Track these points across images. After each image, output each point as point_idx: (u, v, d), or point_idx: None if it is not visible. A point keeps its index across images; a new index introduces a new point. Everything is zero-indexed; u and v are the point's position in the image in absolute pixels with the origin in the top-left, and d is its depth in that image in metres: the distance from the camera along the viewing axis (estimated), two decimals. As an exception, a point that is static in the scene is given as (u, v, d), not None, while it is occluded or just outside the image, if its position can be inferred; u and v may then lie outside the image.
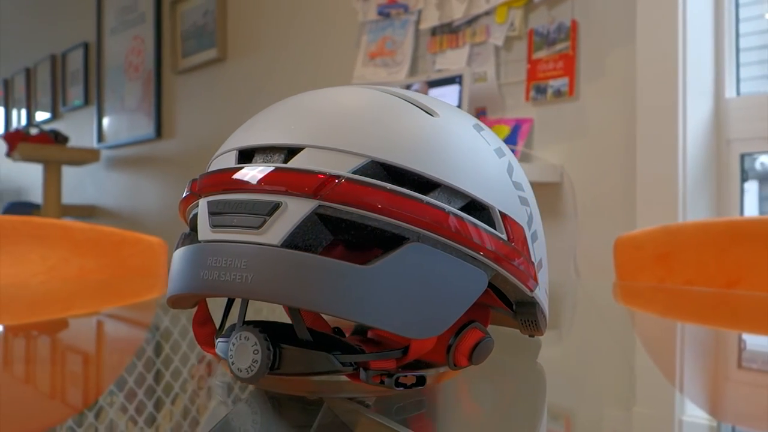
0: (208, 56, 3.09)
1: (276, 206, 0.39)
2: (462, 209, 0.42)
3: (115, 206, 4.01)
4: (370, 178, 0.39)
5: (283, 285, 0.39)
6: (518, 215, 0.45)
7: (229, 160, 0.43)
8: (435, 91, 1.97)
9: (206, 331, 0.47)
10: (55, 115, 4.58)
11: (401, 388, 0.41)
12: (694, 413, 0.44)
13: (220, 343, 0.44)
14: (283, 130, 0.42)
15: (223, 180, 0.40)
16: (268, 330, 0.41)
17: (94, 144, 4.06)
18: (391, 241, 0.39)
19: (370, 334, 0.48)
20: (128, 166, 3.85)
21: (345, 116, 0.43)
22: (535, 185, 1.83)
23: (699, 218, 1.67)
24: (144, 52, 3.57)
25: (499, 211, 0.43)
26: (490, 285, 0.46)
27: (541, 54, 1.89)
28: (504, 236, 0.43)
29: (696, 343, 0.70)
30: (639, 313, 0.96)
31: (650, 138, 1.69)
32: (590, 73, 1.82)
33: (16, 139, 3.66)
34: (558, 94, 1.86)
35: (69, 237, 1.22)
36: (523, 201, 0.46)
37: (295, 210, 0.38)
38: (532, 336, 0.57)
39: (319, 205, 0.38)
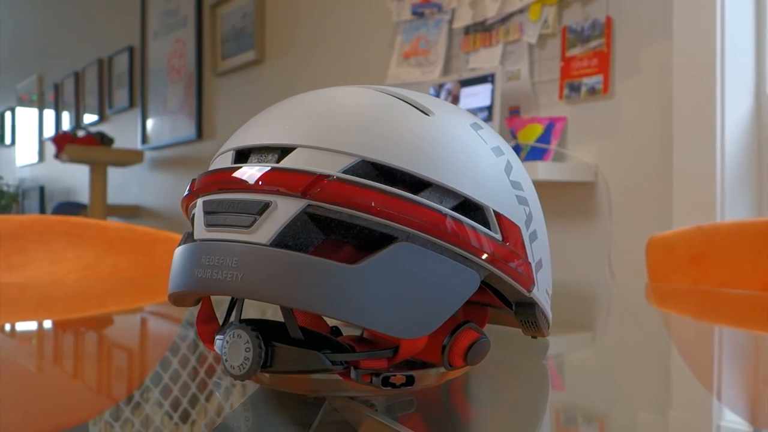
0: (246, 58, 3.13)
1: (266, 206, 0.39)
2: (455, 208, 0.42)
3: (157, 206, 4.10)
4: (360, 177, 0.39)
5: (271, 284, 0.39)
6: (515, 215, 0.44)
7: (226, 160, 0.44)
8: (467, 90, 1.96)
9: (210, 329, 0.48)
10: (102, 118, 4.71)
11: (389, 388, 0.41)
12: (731, 419, 0.43)
13: (217, 341, 0.45)
14: (278, 131, 0.43)
15: (218, 180, 0.41)
16: (263, 328, 0.42)
17: (138, 145, 4.16)
18: (380, 241, 0.39)
19: (365, 334, 0.48)
20: (170, 167, 3.93)
21: (337, 116, 0.44)
22: (568, 185, 1.82)
23: (738, 218, 1.62)
24: (185, 55, 3.64)
25: (494, 211, 0.43)
26: (489, 285, 0.46)
27: (575, 51, 1.86)
28: (498, 236, 0.43)
29: (732, 346, 0.68)
30: (673, 315, 0.93)
31: (687, 136, 1.65)
32: (625, 70, 1.79)
33: (64, 141, 3.78)
34: (592, 91, 1.83)
35: (103, 236, 1.25)
36: (522, 200, 0.46)
37: (285, 209, 0.39)
38: (534, 337, 0.56)
39: (309, 205, 0.39)
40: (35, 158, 5.85)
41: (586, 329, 0.77)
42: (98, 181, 3.79)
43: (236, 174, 0.40)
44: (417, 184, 0.41)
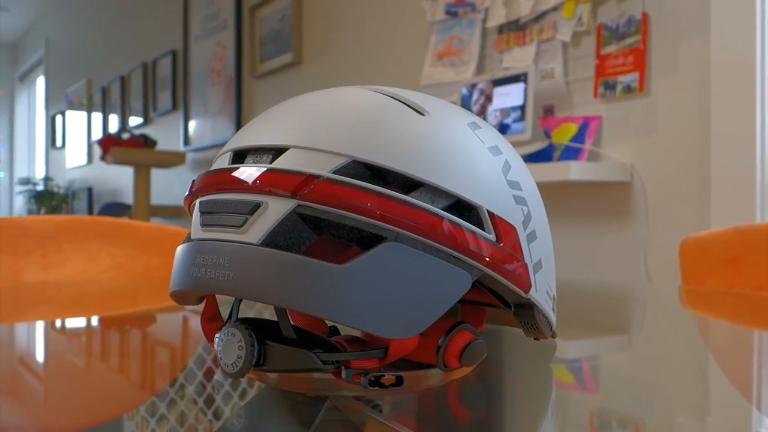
0: (284, 60, 3.17)
1: (257, 206, 0.40)
2: (447, 209, 0.42)
3: (199, 206, 4.16)
4: (351, 177, 0.40)
5: (260, 283, 0.40)
6: (511, 215, 0.44)
7: (225, 161, 0.44)
8: (500, 90, 1.94)
9: (213, 327, 0.48)
10: (146, 120, 4.83)
11: (376, 388, 0.41)
12: (771, 425, 0.42)
13: (216, 339, 0.46)
14: (273, 132, 0.43)
15: (213, 180, 0.42)
16: (258, 327, 0.42)
17: (181, 147, 4.25)
18: (370, 241, 0.39)
19: (360, 334, 0.48)
20: (211, 168, 3.99)
21: (330, 117, 0.44)
22: (603, 185, 1.79)
23: (779, 219, 1.57)
24: (225, 57, 3.70)
25: (488, 211, 0.43)
26: (486, 286, 0.45)
27: (610, 49, 1.83)
28: (492, 236, 0.43)
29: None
30: (707, 319, 0.91)
31: (726, 134, 1.61)
32: (662, 68, 1.75)
33: (109, 144, 3.88)
34: (628, 89, 1.79)
35: (136, 236, 1.28)
36: (519, 200, 0.45)
37: (275, 209, 0.39)
38: (537, 339, 0.56)
39: (299, 205, 0.39)
40: (84, 160, 6.02)
41: (620, 332, 0.75)
42: (142, 183, 3.88)
43: (230, 175, 0.41)
44: (409, 184, 0.41)
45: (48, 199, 6.37)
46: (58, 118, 6.74)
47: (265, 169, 0.41)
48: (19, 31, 7.63)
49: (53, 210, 6.26)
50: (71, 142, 6.41)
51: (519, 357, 0.59)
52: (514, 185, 0.45)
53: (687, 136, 1.70)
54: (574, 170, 1.70)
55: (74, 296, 1.03)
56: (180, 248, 0.44)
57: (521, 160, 0.50)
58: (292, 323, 0.42)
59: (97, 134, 5.61)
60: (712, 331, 0.79)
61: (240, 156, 0.43)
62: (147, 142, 3.96)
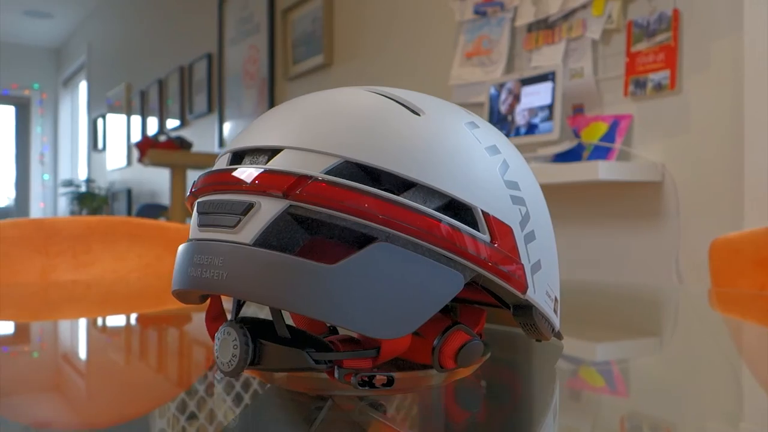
0: (315, 62, 3.19)
1: (249, 206, 0.40)
2: (440, 209, 0.42)
3: (234, 207, 4.21)
4: (343, 178, 0.40)
5: (252, 282, 0.40)
6: (507, 215, 0.44)
7: (224, 162, 0.45)
8: (528, 89, 1.93)
9: (217, 326, 0.49)
10: (183, 122, 4.91)
11: (366, 388, 0.42)
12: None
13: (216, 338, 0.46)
14: (270, 133, 0.44)
15: (211, 181, 0.43)
16: (255, 326, 0.43)
17: (216, 149, 4.31)
18: (361, 241, 0.40)
19: (355, 334, 0.49)
20: (245, 170, 4.04)
21: (325, 117, 0.44)
22: (633, 185, 1.77)
23: (817, 219, 1.52)
24: (259, 60, 3.75)
25: (482, 211, 0.42)
26: (483, 286, 0.45)
27: (640, 46, 1.80)
28: (486, 237, 0.42)
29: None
30: (738, 322, 0.89)
31: (759, 133, 1.56)
32: (693, 65, 1.71)
33: (146, 146, 3.96)
34: (658, 87, 1.76)
35: (164, 236, 1.31)
36: (517, 200, 0.45)
37: (268, 210, 0.40)
38: (539, 340, 0.55)
39: (290, 205, 0.40)
40: (124, 162, 6.15)
41: (650, 335, 0.74)
42: (178, 184, 3.95)
43: (226, 175, 0.42)
44: (402, 184, 0.41)
45: (89, 200, 6.53)
46: (99, 121, 6.90)
47: (259, 169, 0.41)
48: (63, 38, 7.84)
49: (94, 211, 6.41)
50: (112, 145, 6.56)
51: (524, 358, 0.59)
52: (511, 185, 0.45)
53: (720, 135, 1.66)
54: (603, 170, 1.67)
55: (103, 295, 1.05)
56: (180, 248, 0.45)
57: (522, 160, 0.50)
58: (292, 322, 0.43)
59: (136, 137, 5.73)
60: (743, 334, 0.77)
61: (238, 157, 0.44)
62: (183, 144, 4.03)
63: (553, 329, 0.50)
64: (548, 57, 2.02)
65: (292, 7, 3.40)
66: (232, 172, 0.42)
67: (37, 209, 8.28)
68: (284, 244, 0.40)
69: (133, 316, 0.86)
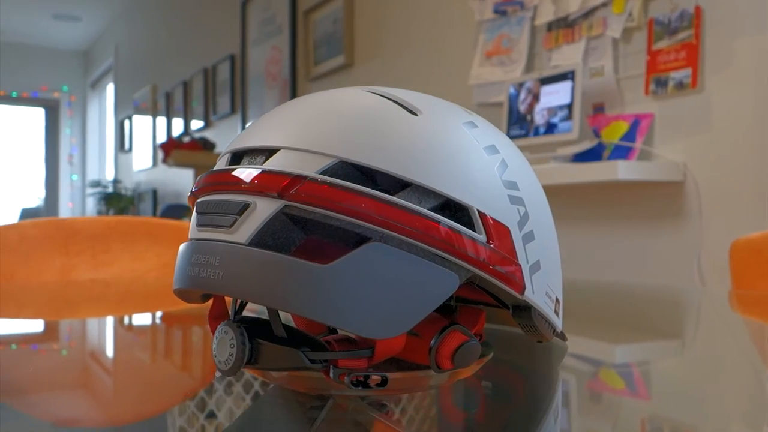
0: (336, 62, 3.20)
1: (245, 206, 0.41)
2: (436, 209, 0.41)
3: (256, 207, 4.25)
4: (339, 178, 0.40)
5: (247, 282, 0.40)
6: (504, 215, 0.43)
7: (223, 162, 0.46)
8: (547, 88, 1.91)
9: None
10: (207, 124, 4.96)
11: (360, 388, 0.42)
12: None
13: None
14: (268, 133, 0.44)
15: (210, 181, 0.43)
16: (253, 326, 0.43)
17: (239, 149, 4.34)
18: (355, 241, 0.40)
19: (352, 334, 0.49)
20: (268, 170, 4.06)
21: (321, 118, 0.45)
22: (654, 185, 1.75)
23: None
24: (281, 61, 3.77)
25: (478, 211, 0.42)
26: (480, 287, 0.45)
27: (661, 44, 1.77)
28: (482, 237, 0.42)
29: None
30: (761, 325, 0.87)
31: (784, 131, 1.53)
32: (716, 63, 1.68)
33: (170, 147, 4.01)
34: (680, 86, 1.73)
35: (182, 236, 1.32)
36: (515, 200, 0.45)
37: (263, 210, 0.40)
38: (540, 342, 0.55)
39: (285, 205, 0.40)
40: (149, 163, 6.23)
41: (670, 337, 0.73)
42: (201, 184, 3.99)
43: (224, 176, 0.42)
44: (397, 184, 0.41)
45: (116, 200, 6.63)
46: (126, 123, 7.00)
47: (255, 170, 0.41)
48: (91, 40, 7.96)
49: (121, 211, 6.50)
50: (138, 146, 6.64)
51: (527, 359, 0.59)
52: (510, 185, 0.45)
53: (742, 134, 1.63)
54: (623, 170, 1.65)
55: (122, 294, 1.07)
56: (180, 248, 0.45)
57: (523, 160, 0.49)
58: (292, 322, 0.43)
59: (162, 138, 5.80)
60: (764, 337, 0.76)
61: (238, 157, 0.45)
62: (206, 145, 4.07)
63: (554, 330, 0.50)
64: (568, 56, 2.01)
65: (313, 7, 3.42)
66: (230, 172, 0.43)
67: (65, 209, 8.43)
68: (280, 244, 0.40)
69: (153, 315, 0.87)
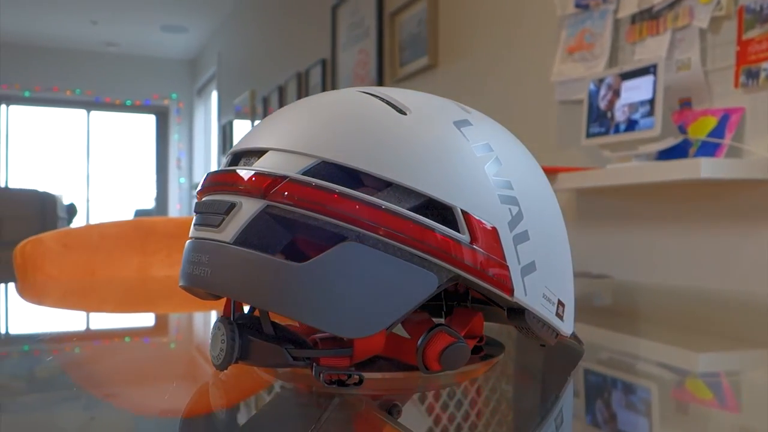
0: (420, 64, 3.21)
1: (232, 206, 0.42)
2: (416, 208, 0.42)
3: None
4: (320, 178, 0.41)
5: (231, 279, 0.42)
6: (492, 215, 0.43)
7: (225, 163, 0.48)
8: (628, 84, 1.83)
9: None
10: (300, 127, 5.09)
11: (334, 386, 0.42)
12: None
13: None
14: (262, 135, 0.46)
15: (209, 182, 0.45)
16: (248, 323, 0.45)
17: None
18: (334, 241, 0.41)
19: None
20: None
21: (308, 119, 0.46)
22: (745, 183, 1.65)
23: None
24: (368, 64, 3.82)
25: (462, 211, 0.42)
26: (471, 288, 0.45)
27: (752, 33, 1.66)
28: (465, 237, 0.42)
29: None
30: None
31: None
32: (813, 51, 1.56)
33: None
34: (773, 77, 1.62)
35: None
36: (507, 200, 0.44)
37: (247, 209, 0.42)
38: (543, 345, 0.53)
39: (268, 205, 0.41)
40: (249, 165, 6.45)
41: (760, 346, 0.69)
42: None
43: (220, 177, 0.44)
44: (379, 184, 0.42)
45: (219, 202, 6.91)
46: (228, 127, 7.31)
47: (244, 171, 0.43)
48: (196, 50, 8.38)
49: (223, 212, 6.77)
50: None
51: (543, 363, 0.57)
52: (501, 184, 0.44)
53: (844, 127, 1.50)
54: (706, 168, 1.56)
55: (160, 294, 1.11)
56: (185, 246, 0.48)
57: (524, 160, 0.48)
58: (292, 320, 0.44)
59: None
60: None
61: (237, 158, 0.46)
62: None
63: (558, 334, 0.49)
64: (652, 49, 1.92)
65: (399, 9, 3.44)
66: (225, 173, 0.44)
67: (174, 211, 8.91)
68: (264, 243, 0.42)
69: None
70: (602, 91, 1.93)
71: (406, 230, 0.41)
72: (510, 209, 0.44)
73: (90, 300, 1.02)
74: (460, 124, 0.46)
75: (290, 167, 0.42)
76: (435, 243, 0.42)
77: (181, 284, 0.47)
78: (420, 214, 0.42)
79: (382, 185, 0.42)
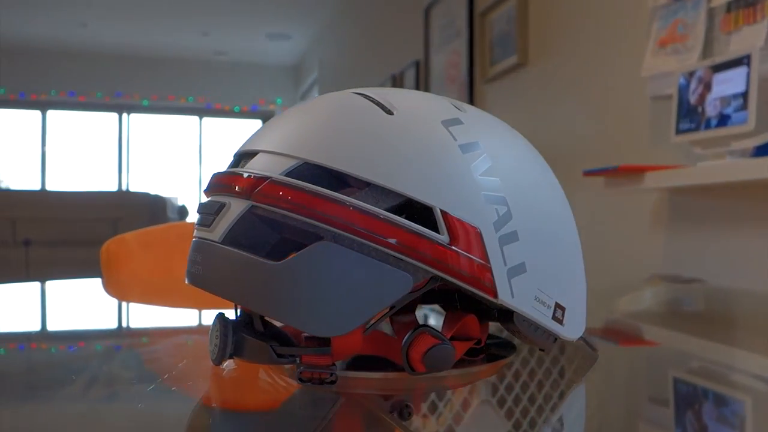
0: (510, 63, 3.16)
1: (221, 206, 0.45)
2: (394, 209, 0.42)
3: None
4: (302, 179, 0.42)
5: (218, 278, 0.45)
6: (476, 215, 0.43)
7: (228, 164, 0.50)
8: (720, 76, 1.72)
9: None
10: (395, 129, 5.13)
11: (308, 384, 0.43)
12: None
13: None
14: (260, 137, 0.48)
15: (211, 183, 0.48)
16: (245, 321, 0.47)
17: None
18: (311, 240, 0.42)
19: None
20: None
21: (294, 121, 0.47)
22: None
23: None
24: (459, 64, 3.80)
25: (441, 211, 0.42)
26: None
27: None
28: (444, 237, 0.42)
29: None
30: None
31: None
32: None
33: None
34: None
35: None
36: (493, 200, 0.43)
37: (234, 210, 0.44)
38: (542, 350, 0.52)
39: (252, 206, 0.43)
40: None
41: None
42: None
43: (219, 178, 0.47)
44: (360, 185, 0.42)
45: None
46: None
47: (236, 172, 0.45)
48: (299, 56, 8.63)
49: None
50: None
51: (557, 367, 0.55)
52: (488, 183, 0.43)
53: None
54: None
55: (194, 292, 1.15)
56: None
57: (520, 158, 0.47)
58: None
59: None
60: None
61: (239, 160, 0.49)
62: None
63: (556, 338, 0.47)
64: (749, 38, 1.79)
65: (489, 8, 3.40)
66: (223, 175, 0.47)
67: (279, 211, 9.20)
68: (250, 243, 0.43)
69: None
70: (692, 85, 1.82)
71: (381, 230, 0.42)
72: (497, 209, 0.44)
73: (171, 297, 1.07)
74: (448, 123, 0.45)
75: (275, 168, 0.44)
76: (410, 243, 0.42)
77: (186, 282, 0.49)
78: (398, 215, 0.42)
79: (364, 185, 0.43)
